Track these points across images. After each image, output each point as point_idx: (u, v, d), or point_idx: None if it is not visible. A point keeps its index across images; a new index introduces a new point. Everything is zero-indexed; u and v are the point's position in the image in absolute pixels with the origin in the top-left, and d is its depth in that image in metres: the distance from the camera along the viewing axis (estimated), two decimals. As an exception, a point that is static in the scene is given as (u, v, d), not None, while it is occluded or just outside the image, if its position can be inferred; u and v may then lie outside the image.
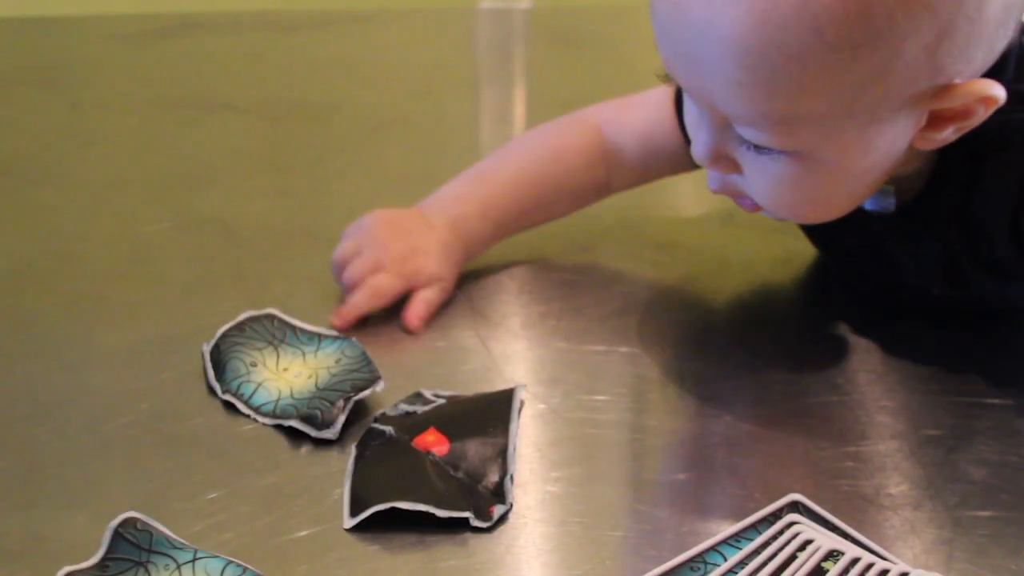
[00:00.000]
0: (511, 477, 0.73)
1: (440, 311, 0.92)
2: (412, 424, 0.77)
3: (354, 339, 0.85)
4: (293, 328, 0.86)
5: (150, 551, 0.67)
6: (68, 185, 1.15)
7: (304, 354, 0.83)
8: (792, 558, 0.67)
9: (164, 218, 1.07)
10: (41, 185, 1.14)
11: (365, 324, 0.90)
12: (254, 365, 0.82)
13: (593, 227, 0.97)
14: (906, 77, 0.67)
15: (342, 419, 0.76)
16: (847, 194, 0.75)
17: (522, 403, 0.80)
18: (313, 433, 0.76)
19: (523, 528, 0.71)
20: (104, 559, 0.67)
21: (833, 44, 0.64)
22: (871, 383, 0.76)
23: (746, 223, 0.94)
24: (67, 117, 1.31)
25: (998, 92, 0.68)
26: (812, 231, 0.91)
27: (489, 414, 0.77)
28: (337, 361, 0.82)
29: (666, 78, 0.75)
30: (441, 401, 0.79)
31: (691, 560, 0.67)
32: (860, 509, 0.71)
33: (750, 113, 0.69)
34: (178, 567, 0.66)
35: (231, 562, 0.67)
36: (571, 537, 0.70)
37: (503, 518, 0.71)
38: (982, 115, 0.70)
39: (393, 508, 0.69)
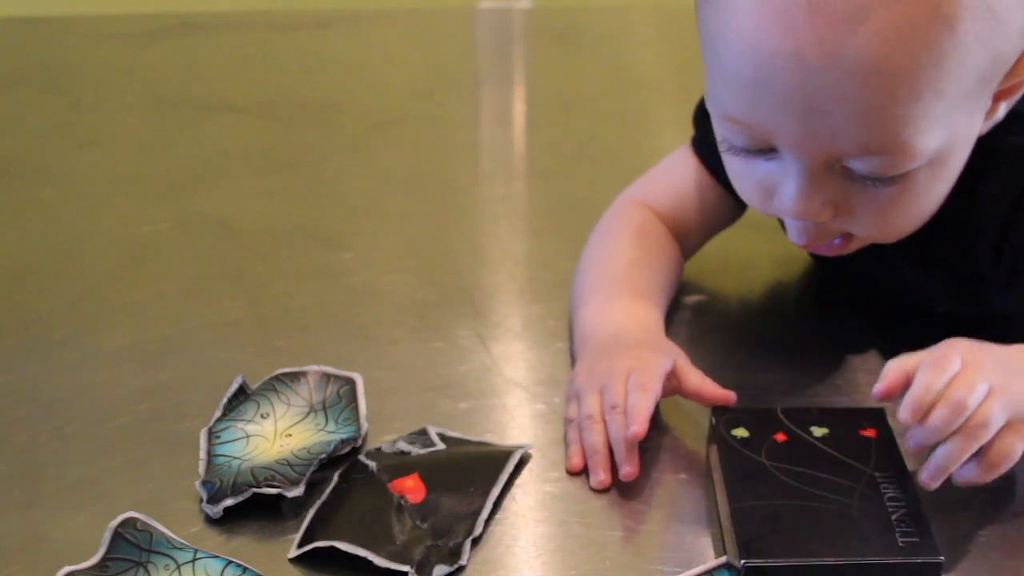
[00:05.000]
0: (473, 540, 0.69)
1: (440, 311, 0.92)
2: (398, 464, 0.74)
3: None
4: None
5: (150, 551, 0.67)
6: (68, 185, 1.15)
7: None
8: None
9: (164, 218, 1.07)
10: (41, 185, 1.14)
11: (360, 324, 0.90)
12: None
13: (592, 227, 0.97)
14: (1007, 53, 0.67)
15: None
16: (943, 195, 0.74)
17: (526, 458, 0.77)
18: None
19: (523, 528, 0.71)
20: (104, 559, 0.67)
21: (963, 36, 0.64)
22: (871, 383, 0.76)
23: (746, 223, 0.94)
24: (67, 117, 1.30)
25: None
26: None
27: (476, 472, 0.74)
28: None
29: (729, 147, 0.72)
30: (441, 446, 0.76)
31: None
32: (860, 509, 0.71)
33: (879, 140, 0.67)
34: (178, 567, 0.66)
35: (231, 562, 0.66)
36: (571, 537, 0.70)
37: None
38: None
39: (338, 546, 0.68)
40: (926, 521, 0.67)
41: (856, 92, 0.65)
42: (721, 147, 0.75)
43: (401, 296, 0.95)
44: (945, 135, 0.68)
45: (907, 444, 0.68)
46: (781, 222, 0.86)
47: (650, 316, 0.84)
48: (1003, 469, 0.68)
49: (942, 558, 0.64)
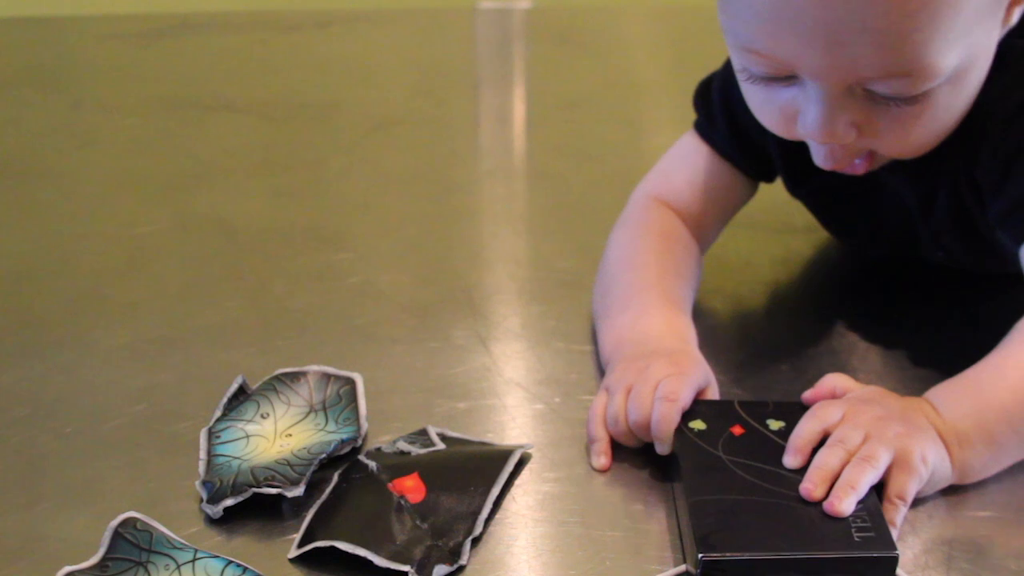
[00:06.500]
0: (473, 540, 0.69)
1: (440, 311, 0.92)
2: (398, 464, 0.74)
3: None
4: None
5: (150, 551, 0.67)
6: (68, 185, 1.15)
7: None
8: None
9: (164, 218, 1.07)
10: (41, 185, 1.14)
11: (360, 324, 0.91)
12: None
13: (593, 227, 0.97)
14: None
15: None
16: (965, 107, 0.74)
17: (526, 458, 0.76)
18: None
19: (523, 528, 0.71)
20: (104, 559, 0.67)
21: None
22: (871, 383, 0.76)
23: (746, 223, 0.94)
24: (67, 117, 1.31)
25: None
26: (820, 199, 0.89)
27: (477, 472, 0.73)
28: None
29: (748, 72, 0.73)
30: (441, 446, 0.76)
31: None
32: (860, 509, 0.71)
33: (900, 64, 0.67)
34: (178, 567, 0.66)
35: (231, 562, 0.67)
36: (571, 537, 0.70)
37: None
38: None
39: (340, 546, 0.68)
40: (881, 515, 0.67)
41: (876, 21, 0.65)
42: (740, 76, 0.76)
43: (401, 296, 0.95)
44: (965, 51, 0.69)
45: (800, 491, 0.68)
46: (808, 168, 0.84)
47: (688, 328, 0.83)
48: (905, 505, 0.69)
49: (898, 552, 0.65)
